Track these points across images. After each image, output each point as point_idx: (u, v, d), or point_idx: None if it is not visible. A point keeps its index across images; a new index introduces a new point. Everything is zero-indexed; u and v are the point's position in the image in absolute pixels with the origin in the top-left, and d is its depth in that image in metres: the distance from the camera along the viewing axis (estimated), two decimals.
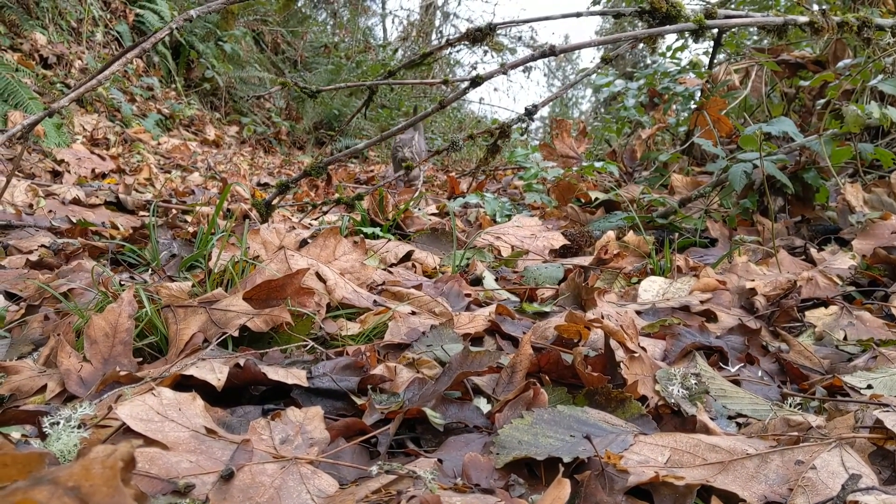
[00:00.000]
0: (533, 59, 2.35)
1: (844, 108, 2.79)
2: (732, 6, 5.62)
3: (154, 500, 0.97)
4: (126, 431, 1.12)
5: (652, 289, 2.31)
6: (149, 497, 0.94)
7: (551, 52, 2.28)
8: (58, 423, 1.06)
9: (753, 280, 2.33)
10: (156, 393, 1.18)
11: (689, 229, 3.22)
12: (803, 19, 2.54)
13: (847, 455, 1.13)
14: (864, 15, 2.67)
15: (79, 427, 1.09)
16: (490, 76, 2.37)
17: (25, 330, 1.75)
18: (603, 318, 1.69)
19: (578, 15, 2.51)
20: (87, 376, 1.46)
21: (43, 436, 1.09)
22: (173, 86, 9.92)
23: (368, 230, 3.20)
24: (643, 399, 1.43)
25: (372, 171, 8.04)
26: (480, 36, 2.52)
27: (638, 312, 2.10)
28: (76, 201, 3.77)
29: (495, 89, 34.59)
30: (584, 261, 2.87)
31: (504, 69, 2.32)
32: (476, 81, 2.34)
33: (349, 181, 6.83)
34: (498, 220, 3.80)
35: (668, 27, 2.47)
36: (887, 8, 4.28)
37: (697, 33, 2.49)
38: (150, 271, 2.33)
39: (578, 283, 2.15)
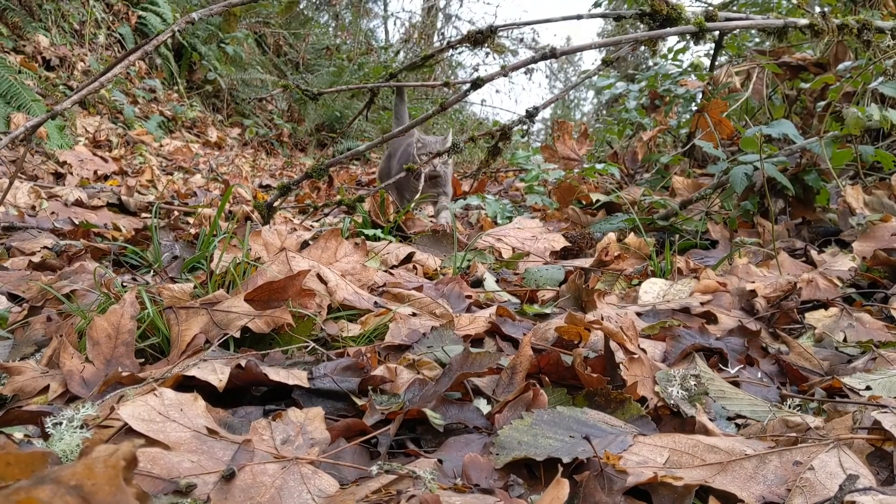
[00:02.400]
0: (533, 61, 2.36)
1: (845, 111, 2.80)
2: (735, 9, 5.63)
3: (156, 499, 0.97)
4: (128, 432, 1.13)
5: (652, 290, 2.32)
6: (151, 496, 0.95)
7: (552, 54, 2.29)
8: (60, 424, 1.07)
9: (754, 282, 2.34)
10: (158, 393, 1.19)
11: (690, 231, 3.22)
12: (803, 22, 2.55)
13: (845, 456, 1.14)
14: (864, 18, 2.68)
15: (81, 427, 1.10)
16: (490, 78, 2.38)
17: (28, 331, 1.76)
18: (603, 319, 1.69)
19: (579, 17, 2.52)
20: (89, 377, 1.47)
21: (45, 436, 1.10)
22: (175, 88, 9.94)
23: (370, 232, 3.21)
24: (643, 400, 1.44)
25: (373, 172, 8.04)
26: (481, 38, 2.53)
27: (638, 314, 2.11)
28: (79, 203, 3.78)
29: (497, 91, 34.53)
30: (585, 262, 2.88)
31: (504, 71, 2.33)
32: (477, 84, 2.35)
33: (351, 183, 6.84)
34: (499, 221, 3.81)
35: (668, 30, 2.48)
36: (888, 10, 4.29)
37: (698, 36, 2.50)
38: (152, 273, 2.34)
39: (579, 284, 2.15)
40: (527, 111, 2.35)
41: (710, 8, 4.14)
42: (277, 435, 1.19)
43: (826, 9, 4.31)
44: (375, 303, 2.03)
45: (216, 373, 1.32)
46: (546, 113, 16.75)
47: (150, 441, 1.11)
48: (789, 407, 1.43)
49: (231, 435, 1.18)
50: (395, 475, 1.07)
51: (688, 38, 3.78)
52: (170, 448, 1.10)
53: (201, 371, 1.32)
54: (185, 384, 1.35)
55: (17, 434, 1.18)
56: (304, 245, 2.40)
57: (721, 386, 1.51)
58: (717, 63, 5.07)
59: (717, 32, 4.50)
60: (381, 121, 13.07)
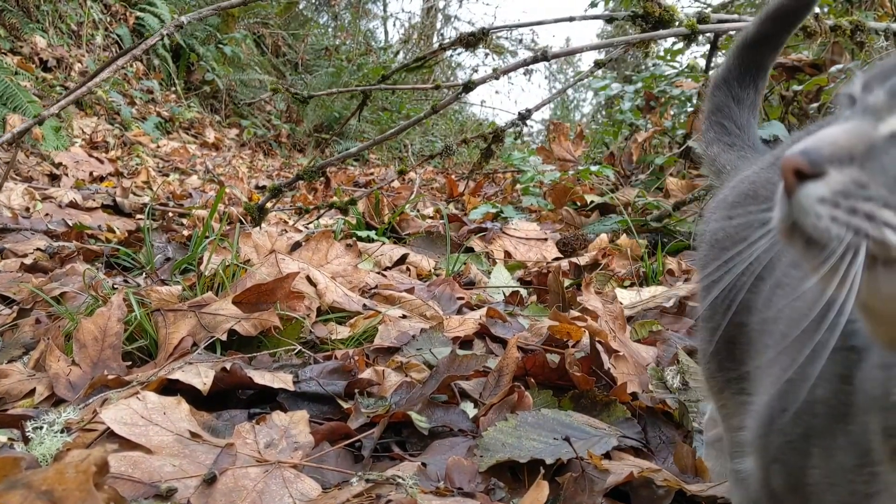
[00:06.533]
0: (525, 63, 2.36)
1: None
2: (732, 10, 5.62)
3: (135, 503, 0.97)
4: (111, 435, 1.13)
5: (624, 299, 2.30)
6: (128, 501, 0.95)
7: (543, 57, 2.29)
8: (41, 428, 1.07)
9: None
10: (141, 397, 1.19)
11: (684, 233, 3.22)
12: None
13: None
14: (857, 18, 2.68)
15: (63, 431, 1.10)
16: (482, 81, 2.39)
17: (17, 333, 1.75)
18: (589, 310, 1.70)
19: (571, 19, 2.52)
20: (75, 380, 1.47)
21: (26, 440, 1.10)
22: (173, 89, 9.94)
23: (363, 233, 3.21)
24: (634, 396, 1.44)
25: (372, 173, 8.04)
26: (474, 40, 2.53)
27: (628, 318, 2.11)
28: (73, 204, 3.77)
29: (497, 92, 34.45)
30: (580, 260, 2.88)
31: (496, 74, 2.34)
32: (469, 86, 2.35)
33: (348, 184, 6.84)
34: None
35: (660, 32, 2.49)
36: (885, 10, 4.29)
37: (690, 38, 2.50)
38: (143, 275, 2.34)
39: (561, 282, 2.15)
40: (519, 113, 2.35)
41: (705, 7, 4.14)
42: (261, 438, 1.19)
43: (824, 9, 4.31)
44: (364, 305, 2.03)
45: (200, 376, 1.32)
46: (545, 114, 16.75)
47: (132, 445, 1.11)
48: None
49: (214, 438, 1.18)
50: (374, 483, 1.07)
51: (682, 39, 3.79)
52: (151, 452, 1.10)
53: (186, 374, 1.32)
54: (171, 387, 1.34)
55: (1, 438, 1.18)
56: (296, 246, 2.40)
57: None
58: (712, 64, 5.07)
59: (711, 34, 4.50)
60: (380, 122, 13.06)
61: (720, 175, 1.20)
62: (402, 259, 2.89)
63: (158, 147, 7.57)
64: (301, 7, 15.05)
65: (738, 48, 1.25)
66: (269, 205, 2.79)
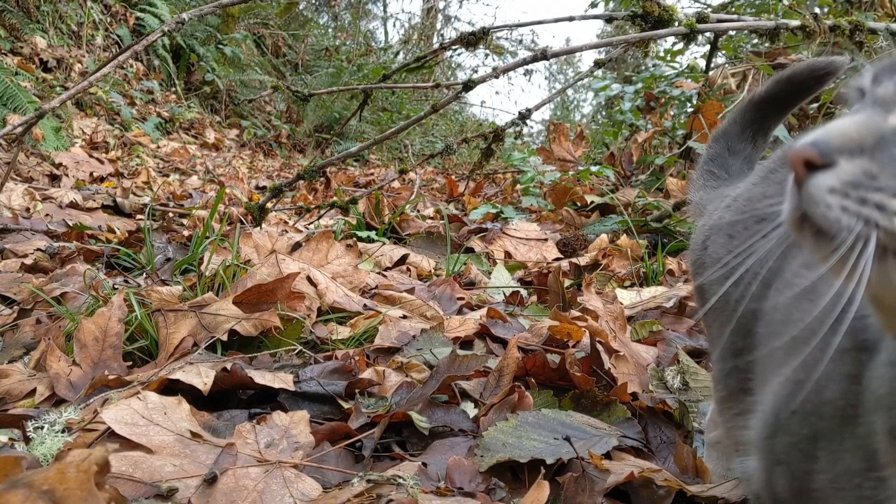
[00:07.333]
0: (525, 62, 2.36)
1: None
2: (733, 10, 5.62)
3: (136, 503, 0.97)
4: (111, 435, 1.13)
5: (624, 300, 2.31)
6: (129, 501, 0.95)
7: (543, 56, 2.30)
8: (42, 428, 1.07)
9: None
10: (142, 397, 1.19)
11: (684, 233, 3.22)
12: (795, 23, 2.55)
13: None
14: (856, 18, 2.68)
15: (63, 431, 1.10)
16: (482, 80, 2.39)
17: (17, 334, 1.76)
18: (589, 310, 1.70)
19: (571, 19, 2.52)
20: (76, 380, 1.47)
21: (27, 439, 1.10)
22: (173, 89, 9.94)
23: (363, 233, 3.21)
24: (634, 396, 1.44)
25: (372, 174, 8.04)
26: (474, 40, 2.53)
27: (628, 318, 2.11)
28: (73, 205, 3.77)
29: (497, 93, 34.49)
30: (580, 261, 2.88)
31: (496, 74, 2.34)
32: (468, 86, 2.36)
33: (348, 184, 6.84)
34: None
35: (659, 31, 2.49)
36: (885, 10, 4.29)
37: (689, 37, 2.50)
38: (144, 275, 2.34)
39: (561, 283, 2.15)
40: (520, 113, 2.36)
41: (704, 7, 4.14)
42: (262, 438, 1.19)
43: (824, 9, 4.31)
44: (365, 305, 2.03)
45: (201, 376, 1.32)
46: (545, 114, 16.76)
47: (133, 444, 1.11)
48: None
49: (215, 438, 1.18)
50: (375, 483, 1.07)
51: (682, 39, 3.79)
52: (152, 451, 1.10)
53: (186, 374, 1.32)
54: (172, 387, 1.35)
55: (2, 437, 1.18)
56: (297, 247, 2.40)
57: (706, 381, 1.51)
58: (712, 65, 5.07)
59: (711, 34, 4.50)
60: (380, 122, 13.06)
61: (702, 215, 1.18)
62: (403, 259, 2.90)
63: (158, 147, 7.57)
64: (301, 7, 15.05)
65: (745, 105, 1.26)
66: (269, 205, 2.79)
